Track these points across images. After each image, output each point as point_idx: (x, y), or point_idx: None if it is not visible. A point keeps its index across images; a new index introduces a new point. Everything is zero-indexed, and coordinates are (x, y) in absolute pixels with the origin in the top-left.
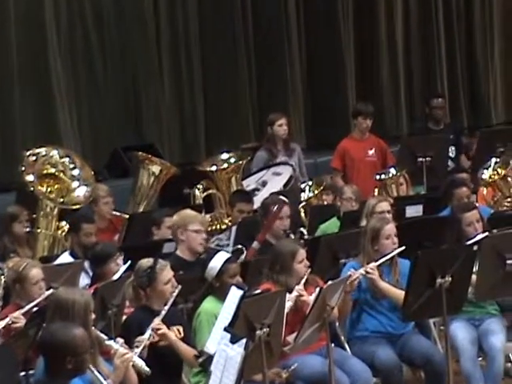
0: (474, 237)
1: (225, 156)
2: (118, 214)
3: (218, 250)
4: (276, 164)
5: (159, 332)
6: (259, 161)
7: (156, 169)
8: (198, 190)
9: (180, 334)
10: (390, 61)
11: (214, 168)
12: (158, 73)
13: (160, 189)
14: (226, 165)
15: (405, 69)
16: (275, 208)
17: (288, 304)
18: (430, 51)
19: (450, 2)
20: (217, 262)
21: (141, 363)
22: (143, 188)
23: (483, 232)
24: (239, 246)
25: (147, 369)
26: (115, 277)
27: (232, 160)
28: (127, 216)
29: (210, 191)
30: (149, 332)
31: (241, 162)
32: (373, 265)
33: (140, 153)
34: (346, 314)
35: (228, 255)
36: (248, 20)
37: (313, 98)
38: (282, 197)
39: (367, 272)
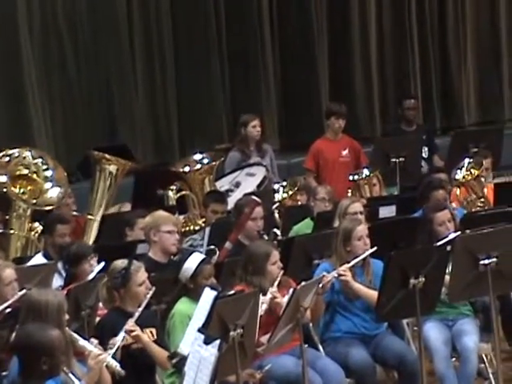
0: (446, 236)
1: (198, 157)
2: (77, 214)
3: (192, 251)
4: (249, 165)
5: (132, 334)
6: (232, 161)
7: (113, 168)
8: (172, 191)
9: (153, 336)
10: (363, 62)
11: (187, 169)
12: (132, 73)
13: (133, 189)
14: (199, 166)
15: (378, 70)
16: (248, 208)
17: (263, 307)
18: (403, 52)
19: (423, 3)
20: (191, 263)
21: (115, 364)
22: (101, 188)
23: (455, 232)
24: (212, 247)
25: (121, 370)
26: (89, 278)
27: (205, 161)
28: (89, 217)
29: (184, 192)
30: (122, 334)
31: (214, 163)
32: (345, 267)
33: (95, 152)
34: (320, 316)
35: (203, 256)
36: (221, 22)
37: (286, 98)
38: (255, 197)
39: (340, 274)
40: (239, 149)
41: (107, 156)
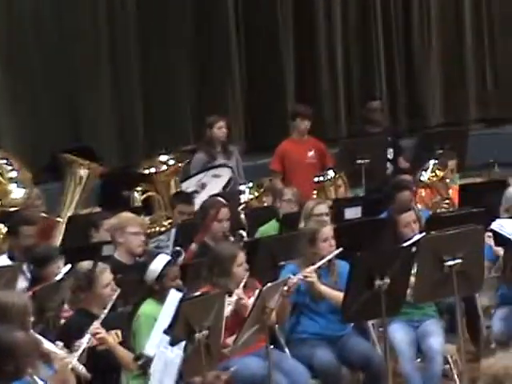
0: (411, 237)
1: (163, 158)
2: (47, 216)
3: (158, 253)
4: (215, 166)
5: (98, 336)
6: (198, 163)
7: (84, 172)
8: (137, 192)
9: (118, 337)
10: (329, 63)
11: (152, 170)
12: (97, 74)
13: (100, 191)
14: (164, 167)
15: (343, 71)
16: (214, 209)
17: (229, 308)
18: (369, 54)
19: (388, 6)
20: (157, 265)
21: (80, 367)
22: (71, 191)
23: (420, 233)
24: (178, 248)
25: (87, 373)
26: (55, 279)
27: (171, 162)
28: (59, 219)
29: (149, 194)
30: (88, 336)
31: (179, 164)
32: (310, 269)
33: (67, 155)
34: (285, 318)
35: (169, 258)
36: (188, 22)
37: (252, 100)
38: (221, 199)
39: (305, 276)
40: (205, 150)
41: (79, 160)
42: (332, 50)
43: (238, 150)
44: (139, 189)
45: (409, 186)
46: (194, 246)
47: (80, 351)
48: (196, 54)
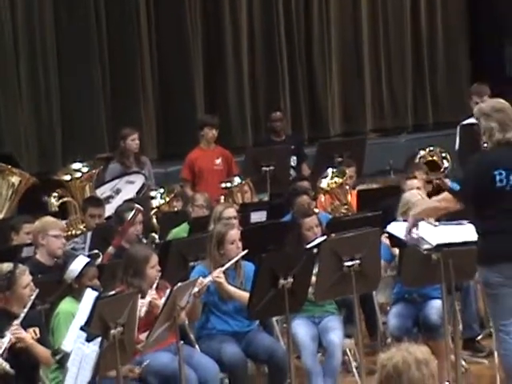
0: (314, 240)
1: (77, 165)
2: None
3: (77, 254)
4: (129, 173)
5: (16, 335)
6: (113, 173)
7: (15, 180)
8: (54, 198)
9: (36, 334)
10: (236, 75)
11: (68, 177)
12: (16, 83)
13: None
14: (79, 174)
15: (250, 83)
16: (131, 215)
17: (142, 309)
18: (273, 68)
19: (291, 23)
20: (77, 265)
21: (4, 363)
22: (1, 198)
23: (322, 236)
24: (96, 251)
25: (11, 369)
26: None
27: (85, 169)
28: None
29: (65, 199)
30: (8, 335)
31: (94, 171)
32: (219, 270)
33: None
34: (197, 316)
35: (88, 259)
36: (102, 34)
37: (164, 110)
38: (135, 204)
39: (214, 277)
40: (119, 161)
41: (10, 168)
42: (239, 66)
43: (150, 158)
44: (55, 194)
45: (306, 191)
46: (111, 249)
47: (1, 350)
48: (111, 65)
